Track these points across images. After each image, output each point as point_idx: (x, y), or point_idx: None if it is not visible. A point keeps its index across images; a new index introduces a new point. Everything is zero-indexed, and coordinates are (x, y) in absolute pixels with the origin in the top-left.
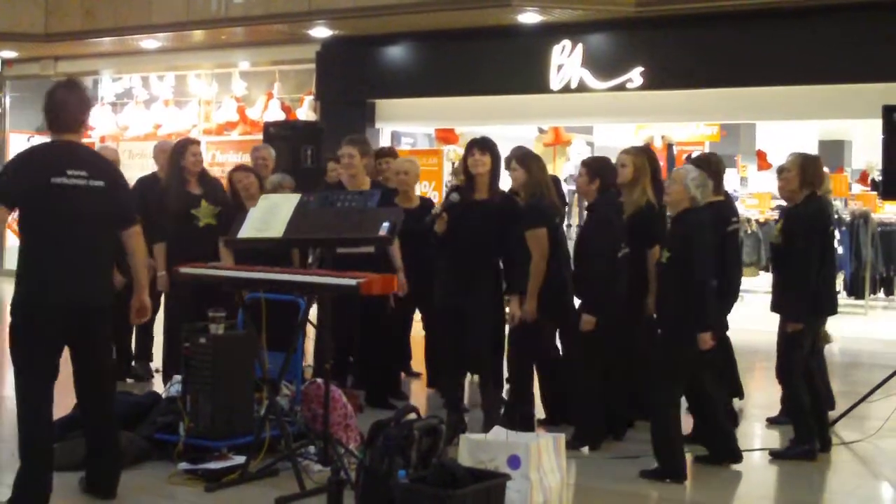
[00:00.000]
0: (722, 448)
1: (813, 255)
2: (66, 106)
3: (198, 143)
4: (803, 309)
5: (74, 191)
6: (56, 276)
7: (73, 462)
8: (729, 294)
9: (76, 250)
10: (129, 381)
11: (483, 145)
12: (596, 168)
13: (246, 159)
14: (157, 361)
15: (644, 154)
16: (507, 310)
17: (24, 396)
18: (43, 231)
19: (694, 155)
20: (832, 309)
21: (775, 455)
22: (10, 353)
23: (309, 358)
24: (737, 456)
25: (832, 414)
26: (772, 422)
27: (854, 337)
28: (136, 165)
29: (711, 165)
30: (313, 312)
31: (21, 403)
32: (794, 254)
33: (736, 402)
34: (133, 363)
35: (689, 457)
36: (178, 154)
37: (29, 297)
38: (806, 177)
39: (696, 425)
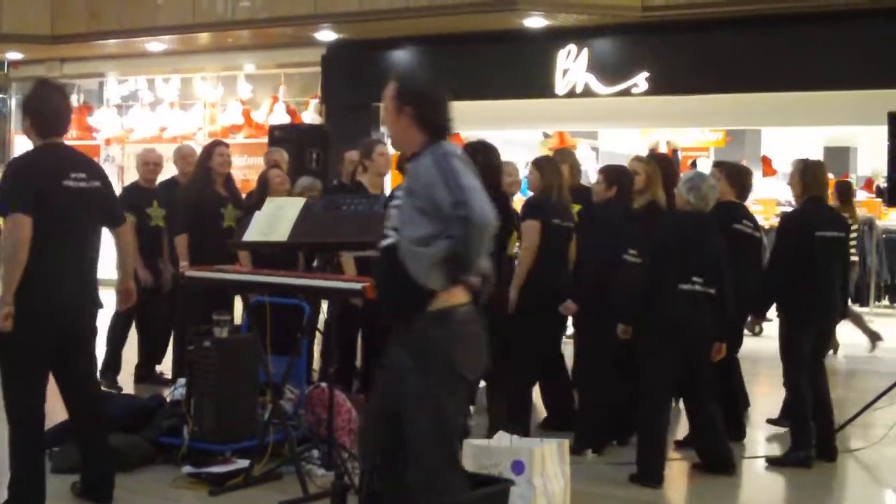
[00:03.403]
0: (716, 459)
1: (786, 257)
2: (63, 111)
3: (226, 145)
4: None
5: (78, 193)
6: (57, 280)
7: (72, 466)
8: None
9: (75, 254)
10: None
11: (466, 150)
12: (613, 176)
13: (252, 162)
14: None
15: (655, 162)
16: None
17: (15, 402)
18: (45, 235)
19: (703, 161)
20: (831, 313)
21: (772, 462)
22: (4, 361)
23: (317, 362)
24: (730, 468)
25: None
26: (771, 423)
27: (859, 344)
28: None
29: (742, 175)
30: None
31: (12, 410)
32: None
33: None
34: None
35: (685, 464)
36: (207, 155)
37: (29, 302)
38: (806, 182)
39: (692, 431)
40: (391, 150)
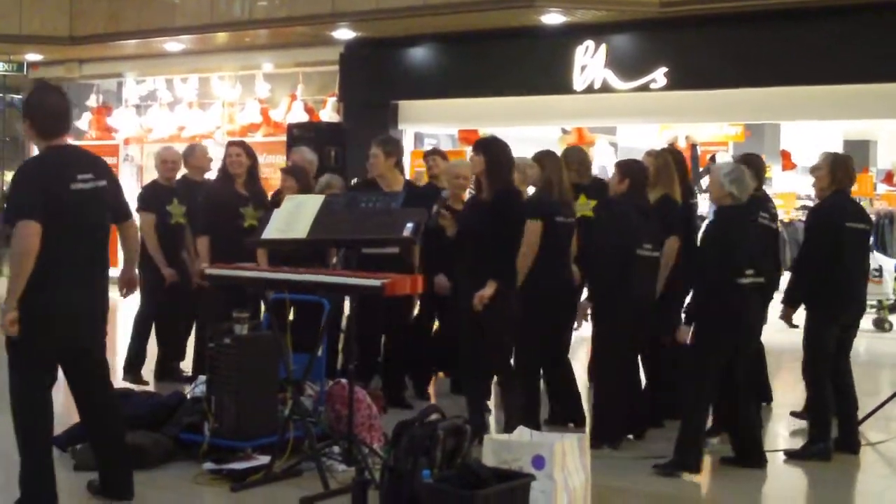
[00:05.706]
0: (749, 452)
1: (820, 251)
2: (62, 111)
3: (237, 144)
4: (816, 302)
5: (87, 195)
6: (66, 287)
7: (93, 463)
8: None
9: (85, 260)
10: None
11: (477, 146)
12: (626, 169)
13: (270, 160)
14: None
15: (666, 155)
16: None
17: (24, 402)
18: (56, 240)
19: (722, 155)
20: (858, 306)
21: (790, 455)
22: (12, 360)
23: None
24: (761, 462)
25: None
26: (795, 415)
27: (880, 336)
28: None
29: (752, 165)
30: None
31: (17, 404)
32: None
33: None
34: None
35: (710, 457)
36: (224, 156)
37: (42, 305)
38: (835, 176)
39: (717, 419)
40: (378, 151)
